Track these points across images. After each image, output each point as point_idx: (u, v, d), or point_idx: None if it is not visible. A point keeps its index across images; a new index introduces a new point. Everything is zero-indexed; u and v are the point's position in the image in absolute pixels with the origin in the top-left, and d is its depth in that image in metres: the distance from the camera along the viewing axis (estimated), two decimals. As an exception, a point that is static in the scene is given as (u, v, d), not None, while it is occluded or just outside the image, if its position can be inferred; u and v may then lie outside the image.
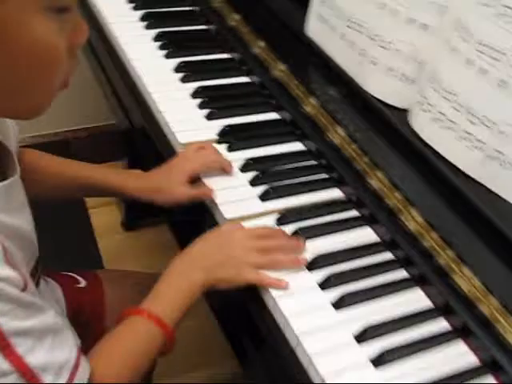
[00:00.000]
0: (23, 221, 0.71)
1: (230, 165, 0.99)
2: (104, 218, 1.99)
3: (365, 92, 1.01)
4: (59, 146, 1.97)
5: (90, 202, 2.00)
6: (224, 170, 0.97)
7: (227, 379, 1.57)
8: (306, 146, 1.07)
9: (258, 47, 1.20)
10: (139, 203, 1.79)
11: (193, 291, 0.80)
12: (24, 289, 0.61)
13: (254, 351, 0.89)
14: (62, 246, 1.78)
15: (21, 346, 0.58)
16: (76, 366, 0.65)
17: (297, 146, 1.07)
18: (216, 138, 1.06)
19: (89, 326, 1.01)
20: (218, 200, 0.94)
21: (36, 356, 0.60)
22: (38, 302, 0.63)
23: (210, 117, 1.10)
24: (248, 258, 0.82)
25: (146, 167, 1.04)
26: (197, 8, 1.38)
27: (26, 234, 0.72)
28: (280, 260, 0.83)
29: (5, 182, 0.67)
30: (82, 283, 1.08)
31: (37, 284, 0.79)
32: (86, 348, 0.99)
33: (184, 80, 1.17)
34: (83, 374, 0.66)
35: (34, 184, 0.82)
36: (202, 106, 1.11)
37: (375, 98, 1.00)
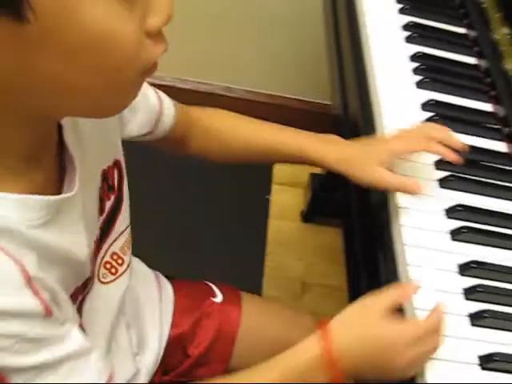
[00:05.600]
0: (72, 243, 0.61)
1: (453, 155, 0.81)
2: (285, 198, 1.83)
3: None
4: (270, 108, 1.84)
5: (276, 177, 1.85)
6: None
7: None
8: None
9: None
10: (328, 197, 1.68)
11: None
12: (48, 315, 0.55)
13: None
14: (228, 211, 1.73)
15: (19, 379, 0.54)
16: None
17: None
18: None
19: (213, 346, 0.94)
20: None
21: None
22: (54, 334, 0.56)
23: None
24: (407, 371, 0.68)
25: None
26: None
27: (71, 256, 0.61)
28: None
29: (55, 197, 0.57)
30: (219, 297, 0.97)
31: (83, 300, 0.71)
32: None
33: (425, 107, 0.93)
34: None
35: (216, 145, 0.87)
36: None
37: None
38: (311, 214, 1.78)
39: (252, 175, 1.75)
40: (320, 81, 1.47)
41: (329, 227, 1.77)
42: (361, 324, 0.68)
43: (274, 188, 1.84)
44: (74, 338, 0.58)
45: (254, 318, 0.96)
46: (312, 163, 0.86)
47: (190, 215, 1.70)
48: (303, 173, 1.80)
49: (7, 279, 0.51)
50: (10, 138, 0.52)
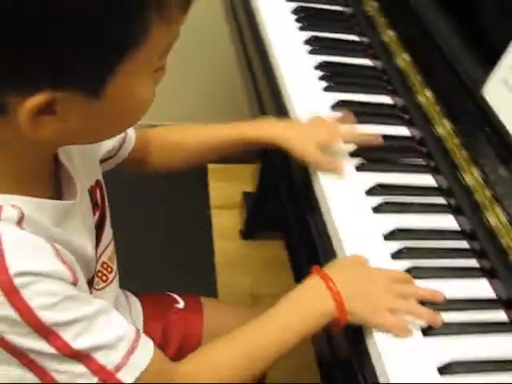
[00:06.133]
0: (79, 243, 0.71)
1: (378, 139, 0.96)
2: (224, 220, 1.94)
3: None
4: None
5: (214, 200, 1.95)
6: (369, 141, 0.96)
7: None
8: (458, 222, 0.91)
9: (424, 96, 1.05)
10: (262, 212, 1.79)
11: (318, 320, 0.75)
12: (74, 283, 0.63)
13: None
14: (177, 242, 1.81)
15: (66, 334, 0.60)
16: (137, 339, 0.66)
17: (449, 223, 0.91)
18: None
19: (182, 348, 1.00)
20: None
21: (83, 340, 0.61)
22: (84, 294, 0.65)
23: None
24: (387, 300, 0.77)
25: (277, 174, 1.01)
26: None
27: (81, 252, 0.71)
28: (416, 309, 0.76)
29: (62, 202, 0.68)
30: (181, 304, 1.06)
31: None
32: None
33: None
34: (146, 347, 0.67)
35: (166, 159, 0.98)
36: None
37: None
38: (250, 231, 1.89)
39: (190, 198, 1.86)
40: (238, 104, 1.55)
41: (268, 240, 1.87)
42: (346, 263, 0.81)
43: (214, 212, 1.93)
44: (95, 302, 0.65)
45: (216, 318, 1.05)
46: (258, 144, 0.98)
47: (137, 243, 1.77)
48: (237, 193, 1.91)
49: (41, 249, 0.60)
50: (25, 161, 0.63)
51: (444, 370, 0.71)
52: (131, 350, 0.65)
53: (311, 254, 0.90)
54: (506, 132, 0.89)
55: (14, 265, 0.57)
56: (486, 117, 0.93)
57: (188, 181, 1.91)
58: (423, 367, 0.72)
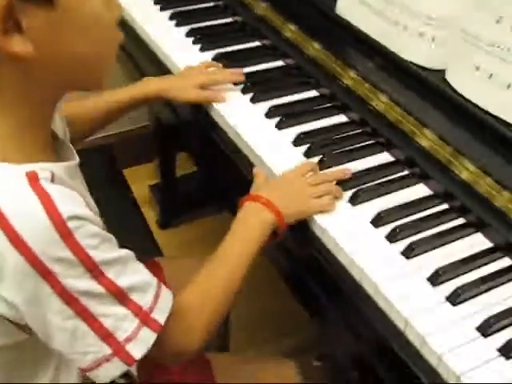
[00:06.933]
0: (88, 200, 0.75)
1: (241, 75, 1.12)
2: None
3: (401, 59, 1.00)
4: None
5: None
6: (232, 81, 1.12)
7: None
8: (348, 116, 1.06)
9: (289, 30, 1.19)
10: (173, 202, 1.86)
11: (265, 232, 0.86)
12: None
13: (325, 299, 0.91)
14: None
15: (110, 273, 0.67)
16: (159, 286, 0.73)
17: (340, 119, 1.06)
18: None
19: None
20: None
21: (123, 279, 0.68)
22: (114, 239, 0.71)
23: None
24: (308, 191, 0.90)
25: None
26: None
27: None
28: (332, 189, 0.90)
29: (69, 162, 0.73)
30: None
31: None
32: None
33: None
34: (167, 292, 0.74)
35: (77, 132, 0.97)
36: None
37: (411, 62, 0.98)
38: (165, 220, 1.95)
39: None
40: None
41: (184, 224, 1.96)
42: (270, 181, 0.93)
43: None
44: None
45: (175, 273, 1.08)
46: (145, 101, 1.10)
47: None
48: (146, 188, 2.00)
49: (77, 198, 0.66)
50: (34, 126, 0.68)
51: (375, 221, 0.86)
52: (158, 294, 0.71)
53: (236, 176, 1.03)
54: (365, 34, 1.04)
55: (64, 210, 0.62)
56: (346, 29, 1.08)
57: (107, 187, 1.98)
58: (359, 224, 0.86)
